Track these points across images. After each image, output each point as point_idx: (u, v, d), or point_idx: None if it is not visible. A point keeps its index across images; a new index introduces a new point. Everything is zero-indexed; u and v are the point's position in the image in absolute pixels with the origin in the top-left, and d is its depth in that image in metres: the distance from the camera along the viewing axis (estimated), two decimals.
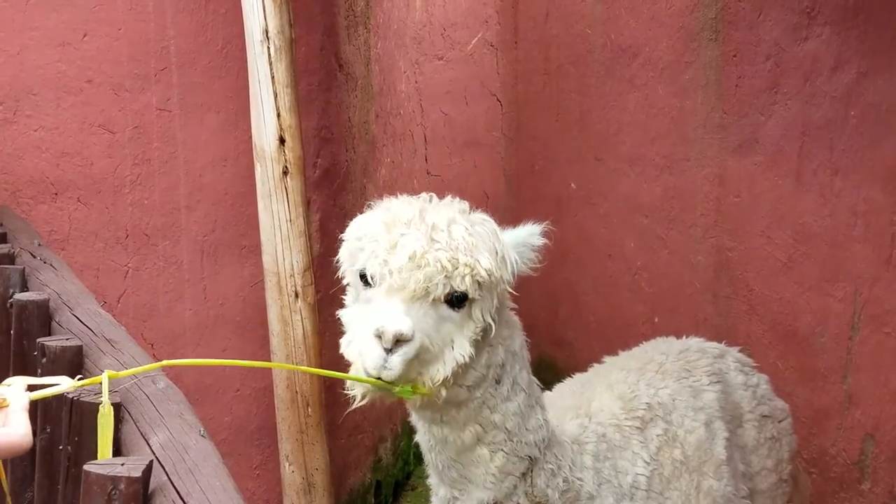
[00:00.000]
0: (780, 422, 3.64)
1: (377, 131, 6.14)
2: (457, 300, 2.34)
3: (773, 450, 3.55)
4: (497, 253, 2.39)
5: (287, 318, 4.57)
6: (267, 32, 4.36)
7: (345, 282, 2.58)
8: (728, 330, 5.02)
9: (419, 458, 7.39)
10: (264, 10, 4.35)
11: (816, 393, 4.58)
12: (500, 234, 2.46)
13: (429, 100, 7.29)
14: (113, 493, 1.71)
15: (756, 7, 4.93)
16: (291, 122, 4.44)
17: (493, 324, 2.41)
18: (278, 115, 4.42)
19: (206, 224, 4.92)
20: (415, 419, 2.63)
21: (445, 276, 2.28)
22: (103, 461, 1.80)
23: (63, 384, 2.02)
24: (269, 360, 4.71)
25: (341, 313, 2.56)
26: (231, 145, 4.87)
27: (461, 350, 2.35)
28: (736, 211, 5.21)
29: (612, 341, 6.28)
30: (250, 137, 4.52)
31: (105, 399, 1.95)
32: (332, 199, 5.32)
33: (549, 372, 6.15)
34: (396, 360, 2.24)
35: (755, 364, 3.73)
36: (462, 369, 2.38)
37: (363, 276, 2.42)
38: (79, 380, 2.04)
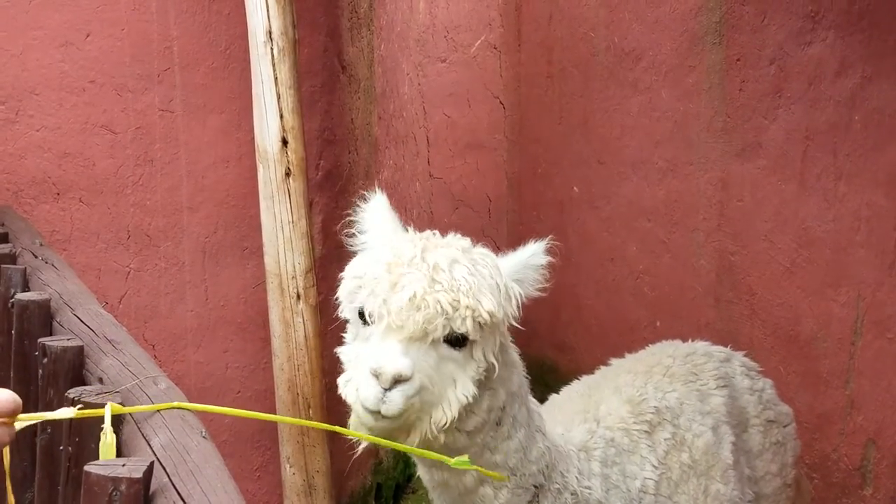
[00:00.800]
0: (784, 426, 3.63)
1: (380, 133, 6.13)
2: (457, 340, 2.29)
3: (777, 454, 3.55)
4: (500, 291, 2.34)
5: (289, 320, 4.56)
6: (270, 34, 4.36)
7: (344, 318, 2.51)
8: (730, 334, 5.01)
9: None
10: (268, 12, 4.35)
11: (818, 398, 4.57)
12: (502, 269, 2.41)
13: (431, 102, 7.29)
14: (114, 494, 1.70)
15: (760, 11, 4.92)
16: (294, 123, 4.44)
17: (496, 364, 2.36)
18: (281, 117, 4.42)
19: (208, 225, 4.92)
20: (416, 460, 2.57)
21: (445, 318, 2.24)
22: (104, 461, 1.79)
23: (64, 413, 1.98)
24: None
25: (340, 351, 2.50)
26: (233, 146, 4.87)
27: (464, 390, 2.31)
28: (739, 215, 5.20)
29: (613, 345, 6.27)
30: (253, 139, 4.52)
31: (107, 428, 1.93)
32: (334, 200, 5.32)
33: (550, 375, 6.14)
34: (396, 395, 2.20)
35: (760, 368, 3.72)
36: (465, 411, 2.33)
37: (362, 314, 2.36)
38: (80, 409, 2.01)
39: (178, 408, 2.13)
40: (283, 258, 4.52)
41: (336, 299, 2.49)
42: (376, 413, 2.23)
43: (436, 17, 7.32)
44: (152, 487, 1.82)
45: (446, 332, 2.25)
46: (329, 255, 5.23)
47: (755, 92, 5.00)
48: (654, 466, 2.99)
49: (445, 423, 2.29)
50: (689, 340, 3.69)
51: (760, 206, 5.03)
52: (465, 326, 2.25)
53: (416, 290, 2.24)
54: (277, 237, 4.52)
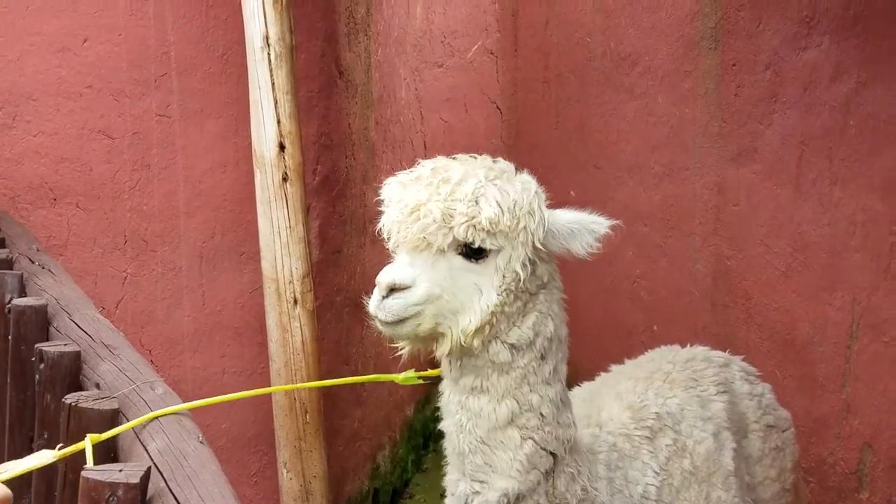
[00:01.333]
0: (783, 431, 3.64)
1: (377, 138, 6.14)
2: (474, 252, 2.41)
3: (776, 459, 3.55)
4: (514, 206, 2.43)
5: (286, 325, 4.57)
6: (267, 39, 4.37)
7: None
8: (726, 338, 5.02)
9: (417, 465, 7.40)
10: (265, 17, 4.36)
11: (815, 402, 4.58)
12: (537, 191, 2.53)
13: (429, 107, 7.30)
14: (111, 499, 1.71)
15: (755, 16, 4.94)
16: (291, 128, 4.45)
17: (520, 272, 2.45)
18: (278, 122, 4.42)
19: (205, 230, 4.92)
20: (449, 395, 2.64)
21: (444, 226, 2.37)
22: (101, 467, 1.80)
23: (43, 457, 1.97)
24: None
25: None
26: (231, 151, 4.88)
27: (487, 299, 2.42)
28: (735, 220, 5.22)
29: (610, 349, 6.28)
30: (250, 144, 4.53)
31: (89, 462, 1.93)
32: (331, 205, 5.32)
33: None
34: (392, 302, 2.38)
35: (758, 373, 3.73)
36: (497, 319, 2.44)
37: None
38: (59, 449, 2.01)
39: (152, 419, 2.15)
40: (280, 263, 4.52)
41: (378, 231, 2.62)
42: (376, 318, 2.42)
43: (433, 22, 7.34)
44: (149, 493, 1.82)
45: (448, 240, 2.38)
46: (326, 259, 5.23)
47: (751, 97, 5.02)
48: (655, 472, 3.00)
49: (471, 330, 2.40)
50: (688, 345, 3.70)
51: (756, 211, 5.04)
52: (465, 232, 2.37)
53: (412, 202, 2.40)
54: (274, 242, 4.52)
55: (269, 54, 4.37)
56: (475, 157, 2.60)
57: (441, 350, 2.49)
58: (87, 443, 1.97)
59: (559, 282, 2.64)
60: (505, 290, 2.44)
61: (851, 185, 4.41)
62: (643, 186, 6.01)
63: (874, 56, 4.25)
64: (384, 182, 2.59)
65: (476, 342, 2.44)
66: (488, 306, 2.42)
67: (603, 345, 6.30)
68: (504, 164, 2.58)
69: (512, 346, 2.50)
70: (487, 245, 2.41)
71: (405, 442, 7.01)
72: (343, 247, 5.48)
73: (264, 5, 4.35)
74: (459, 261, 2.42)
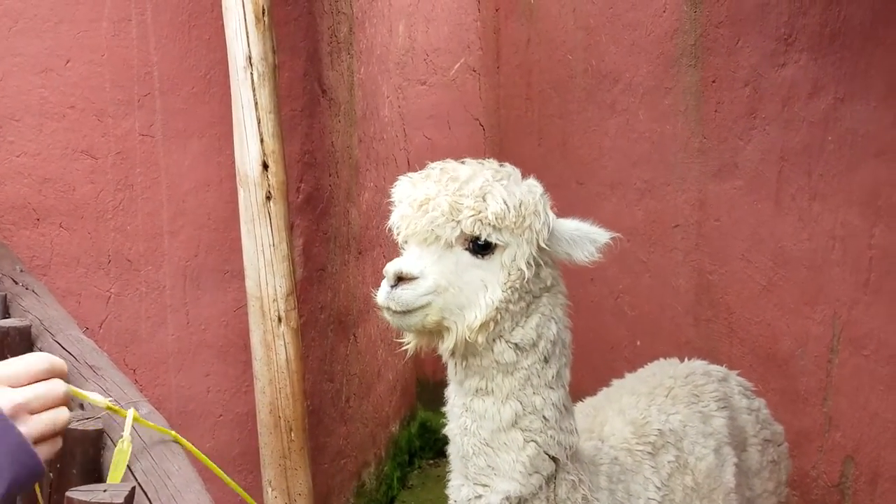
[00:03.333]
0: (779, 445, 3.69)
1: (360, 156, 6.16)
2: (480, 248, 2.49)
3: (773, 472, 3.59)
4: (519, 204, 2.52)
5: (270, 343, 4.57)
6: (250, 58, 4.38)
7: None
8: (709, 353, 5.05)
9: (403, 482, 7.40)
10: (248, 37, 4.38)
11: (797, 415, 4.61)
12: (543, 194, 2.63)
13: (412, 124, 7.34)
14: None
15: (734, 34, 4.99)
16: (275, 147, 4.46)
17: (525, 270, 2.51)
18: (261, 141, 4.43)
19: (188, 249, 4.92)
20: (454, 399, 2.70)
21: (451, 219, 2.45)
22: (86, 487, 1.80)
23: (97, 397, 2.00)
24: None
25: None
26: (214, 170, 4.89)
27: (492, 294, 2.49)
28: (716, 235, 5.25)
29: (595, 364, 6.31)
30: (233, 162, 4.54)
31: (126, 434, 1.95)
32: (315, 223, 5.34)
33: None
34: (401, 292, 2.44)
35: (754, 388, 3.77)
36: (501, 316, 2.50)
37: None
38: (110, 401, 2.04)
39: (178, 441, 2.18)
40: (265, 281, 4.53)
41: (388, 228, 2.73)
42: (387, 309, 2.47)
43: (415, 40, 7.38)
44: None
45: (456, 233, 2.46)
46: (310, 277, 5.24)
47: (730, 113, 5.06)
48: (657, 488, 3.02)
49: (476, 325, 2.47)
50: (686, 359, 3.74)
51: (737, 226, 5.08)
52: (476, 228, 2.46)
53: (421, 197, 2.50)
54: (258, 260, 4.53)
55: (251, 74, 4.39)
56: (482, 162, 2.68)
57: (446, 345, 2.55)
58: (130, 414, 2.00)
59: (563, 287, 2.71)
60: (510, 287, 2.51)
61: (831, 199, 4.46)
62: (625, 202, 6.05)
63: (851, 72, 4.30)
64: (395, 181, 2.68)
65: (481, 338, 2.50)
66: (493, 301, 2.49)
67: (587, 360, 6.32)
68: (510, 168, 2.67)
69: (516, 346, 2.56)
70: (493, 240, 2.48)
71: (390, 459, 7.01)
72: (327, 264, 5.50)
73: (247, 25, 4.37)
74: (466, 256, 2.50)
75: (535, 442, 2.61)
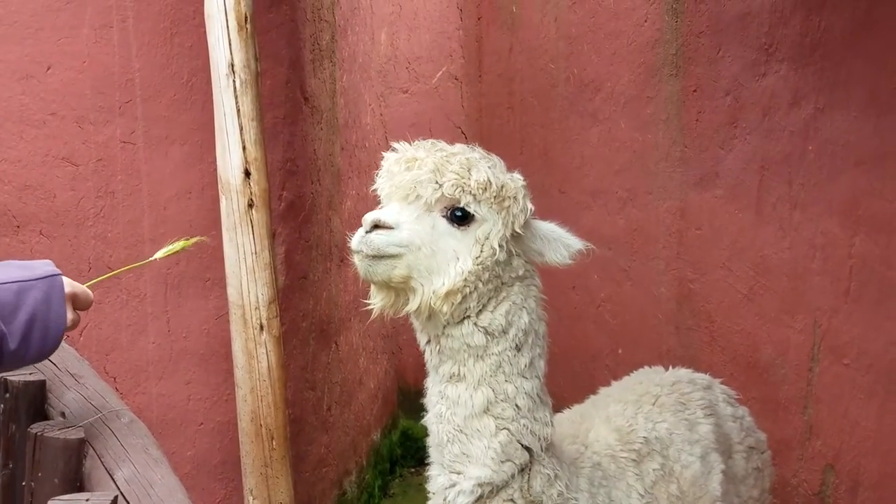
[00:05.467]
0: (762, 453, 3.71)
1: (343, 164, 6.16)
2: (458, 218, 2.56)
3: (758, 480, 3.62)
4: (504, 186, 2.61)
5: (252, 351, 4.55)
6: (232, 66, 4.37)
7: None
8: (690, 361, 5.07)
9: (384, 491, 7.39)
10: (230, 44, 4.37)
11: (778, 424, 4.63)
12: (525, 186, 2.72)
13: (394, 132, 7.33)
14: None
15: (715, 44, 5.02)
16: (257, 154, 4.45)
17: (496, 249, 2.58)
18: (244, 148, 4.43)
19: (170, 257, 4.89)
20: (431, 387, 2.76)
21: (434, 180, 2.52)
22: (68, 497, 1.79)
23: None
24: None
25: None
26: (196, 178, 4.87)
27: (463, 265, 2.56)
28: (697, 243, 5.27)
29: (576, 373, 6.32)
30: (215, 170, 4.52)
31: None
32: (297, 231, 5.33)
33: None
34: (375, 238, 2.52)
35: (738, 395, 3.79)
36: (469, 290, 2.56)
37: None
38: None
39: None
40: (246, 289, 4.51)
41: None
42: (358, 253, 2.55)
43: (397, 48, 7.39)
44: None
45: (437, 195, 2.53)
46: (292, 285, 5.23)
47: (712, 122, 5.09)
48: (640, 495, 3.04)
49: (442, 293, 2.54)
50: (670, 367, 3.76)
51: (718, 235, 5.10)
52: (457, 193, 2.53)
53: (409, 156, 2.60)
54: (240, 268, 4.52)
55: (234, 81, 4.38)
56: (472, 147, 2.77)
57: (410, 306, 2.61)
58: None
59: (538, 281, 2.77)
60: (480, 263, 2.58)
61: (811, 209, 4.48)
62: (607, 211, 6.07)
63: (832, 82, 4.33)
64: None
65: (446, 308, 2.56)
66: (463, 271, 2.55)
67: (569, 368, 6.34)
68: (497, 159, 2.76)
69: (485, 329, 2.62)
70: (472, 210, 2.56)
71: (372, 468, 7.00)
72: (309, 272, 5.48)
73: (229, 32, 4.36)
74: (444, 223, 2.57)
75: (508, 430, 2.66)
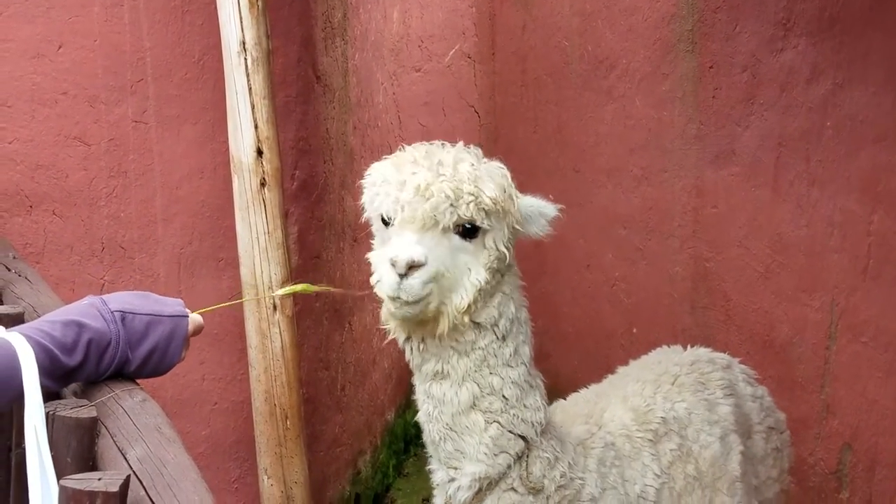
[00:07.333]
0: (781, 433, 3.68)
1: (355, 143, 6.13)
2: (468, 231, 2.53)
3: (777, 460, 3.59)
4: (504, 188, 2.58)
5: (265, 331, 4.54)
6: (244, 44, 4.34)
7: (372, 227, 2.77)
8: (706, 340, 5.04)
9: (398, 470, 7.39)
10: (241, 22, 4.34)
11: (794, 403, 4.60)
12: (510, 175, 2.67)
13: (406, 111, 7.29)
14: None
15: (732, 19, 4.96)
16: (269, 133, 4.43)
17: (506, 252, 2.59)
18: (255, 127, 4.40)
19: (182, 236, 4.89)
20: (417, 386, 2.73)
21: (451, 204, 2.47)
22: (80, 476, 1.77)
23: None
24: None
25: (369, 255, 2.73)
26: (208, 157, 4.85)
27: (477, 275, 2.55)
28: (713, 222, 5.23)
29: (590, 352, 6.30)
30: (227, 149, 4.50)
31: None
32: (310, 210, 5.30)
33: None
34: (413, 282, 2.44)
35: (757, 375, 3.76)
36: (481, 296, 2.56)
37: (382, 219, 2.63)
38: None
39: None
40: (259, 269, 4.50)
41: (361, 207, 2.77)
42: (397, 299, 2.47)
43: (410, 26, 7.33)
44: (129, 501, 1.80)
45: (454, 218, 2.50)
46: (305, 265, 5.21)
47: (728, 99, 5.04)
48: (656, 475, 3.01)
49: (464, 306, 2.53)
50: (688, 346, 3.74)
51: (735, 213, 5.06)
52: (470, 212, 2.49)
53: (420, 182, 2.49)
54: (253, 248, 4.50)
55: (245, 59, 4.35)
56: (443, 144, 2.71)
57: (440, 329, 2.57)
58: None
59: (517, 268, 2.76)
60: (489, 268, 2.57)
61: (829, 186, 4.44)
62: (622, 189, 6.03)
63: (850, 58, 4.27)
64: (373, 165, 2.71)
65: (466, 319, 2.55)
66: (479, 282, 2.54)
67: (583, 347, 6.31)
68: (476, 150, 2.72)
69: (478, 325, 2.60)
70: (484, 224, 2.53)
71: (386, 447, 7.00)
72: (322, 252, 5.46)
73: (240, 10, 4.33)
74: (457, 240, 2.54)
75: (498, 422, 2.64)
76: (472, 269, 2.55)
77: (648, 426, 3.11)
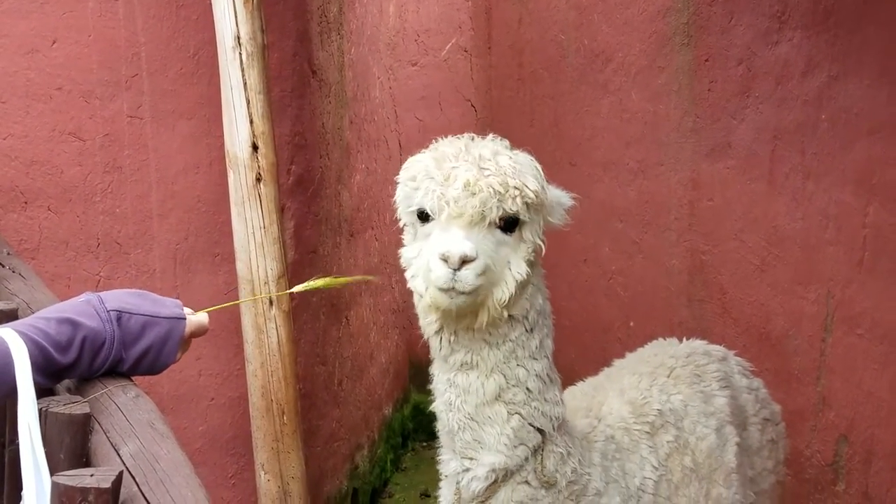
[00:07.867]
0: (776, 425, 3.69)
1: (351, 137, 6.13)
2: (508, 224, 2.55)
3: (772, 451, 3.60)
4: (538, 178, 2.61)
5: (261, 326, 4.54)
6: (239, 38, 4.33)
7: (401, 223, 2.79)
8: (703, 333, 5.03)
9: (396, 465, 7.40)
10: (236, 16, 4.33)
11: (790, 395, 4.60)
12: (541, 168, 2.69)
13: (403, 105, 7.30)
14: None
15: (727, 12, 4.96)
16: (264, 128, 4.42)
17: (541, 244, 2.63)
18: (251, 122, 4.39)
19: (178, 232, 4.89)
20: (438, 375, 2.75)
21: (498, 199, 2.49)
22: (72, 472, 1.77)
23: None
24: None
25: (402, 251, 2.75)
26: (203, 152, 4.84)
27: (518, 269, 2.57)
28: (709, 215, 5.23)
29: (587, 346, 6.30)
30: (223, 144, 4.50)
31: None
32: (306, 205, 5.30)
33: None
34: (466, 273, 2.46)
35: (752, 367, 3.77)
36: (521, 289, 2.58)
37: (420, 214, 2.62)
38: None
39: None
40: (256, 264, 4.49)
41: (393, 203, 2.77)
42: (450, 290, 2.48)
43: (406, 20, 7.33)
44: (121, 497, 1.80)
45: (500, 213, 2.52)
46: (301, 260, 5.21)
47: (724, 92, 5.03)
48: (654, 467, 3.03)
49: (506, 300, 2.55)
50: (685, 339, 3.74)
51: (730, 206, 5.06)
52: (515, 206, 2.52)
53: (468, 178, 2.50)
54: (249, 243, 4.50)
55: (240, 54, 4.34)
56: (472, 137, 2.73)
57: (479, 322, 2.58)
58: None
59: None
60: (527, 260, 2.60)
61: (824, 178, 4.43)
62: (618, 183, 6.03)
63: (845, 50, 4.27)
64: (387, 162, 2.75)
65: (506, 313, 2.58)
66: (521, 275, 2.57)
67: (580, 341, 6.31)
68: (505, 141, 2.73)
69: (511, 317, 2.62)
70: (526, 217, 2.57)
71: (383, 441, 7.01)
72: (318, 247, 5.46)
73: (235, 4, 4.32)
74: (499, 234, 2.56)
75: (520, 414, 2.65)
76: (513, 262, 2.57)
77: (645, 419, 3.12)
